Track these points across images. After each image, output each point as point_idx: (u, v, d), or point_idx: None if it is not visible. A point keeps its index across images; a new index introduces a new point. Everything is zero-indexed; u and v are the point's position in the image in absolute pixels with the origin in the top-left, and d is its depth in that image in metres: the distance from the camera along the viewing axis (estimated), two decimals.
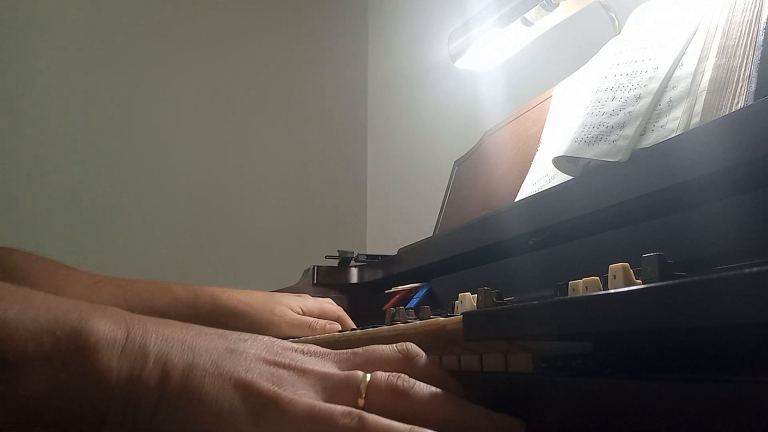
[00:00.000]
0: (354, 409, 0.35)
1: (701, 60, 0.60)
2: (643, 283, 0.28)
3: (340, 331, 0.87)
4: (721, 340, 0.27)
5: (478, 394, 0.43)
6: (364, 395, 0.37)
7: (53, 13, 2.16)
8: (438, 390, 0.38)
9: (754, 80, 0.54)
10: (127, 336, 0.34)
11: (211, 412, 0.33)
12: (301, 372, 0.37)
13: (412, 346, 0.41)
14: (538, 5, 0.96)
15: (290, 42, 2.44)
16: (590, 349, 0.34)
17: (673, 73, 0.62)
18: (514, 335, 0.35)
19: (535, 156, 0.86)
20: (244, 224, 2.27)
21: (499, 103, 1.49)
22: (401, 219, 2.11)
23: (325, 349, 0.40)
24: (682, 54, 0.63)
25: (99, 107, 2.17)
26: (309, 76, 2.45)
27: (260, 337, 0.39)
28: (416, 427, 0.35)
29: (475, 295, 0.44)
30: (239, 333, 0.39)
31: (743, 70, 0.55)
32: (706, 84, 0.58)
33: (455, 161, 1.17)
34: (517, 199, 0.82)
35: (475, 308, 0.44)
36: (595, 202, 0.60)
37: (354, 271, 1.19)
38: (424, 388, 0.38)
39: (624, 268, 0.31)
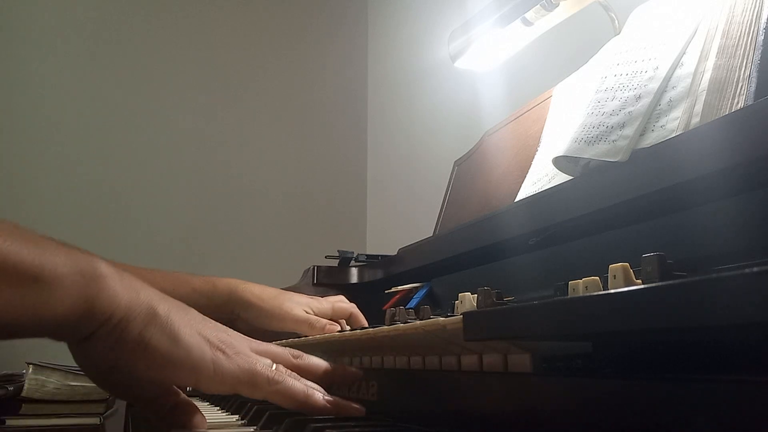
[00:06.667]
0: (273, 364, 0.53)
1: (701, 60, 0.60)
2: (643, 283, 0.28)
3: (340, 331, 0.88)
4: (721, 340, 0.27)
5: (478, 394, 0.43)
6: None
7: (54, 11, 2.16)
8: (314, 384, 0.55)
9: (754, 80, 0.54)
10: (122, 276, 0.47)
11: (183, 343, 0.48)
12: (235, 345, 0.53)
13: (298, 351, 0.59)
14: (538, 5, 0.96)
15: (290, 42, 2.44)
16: (590, 349, 0.34)
17: (673, 73, 0.62)
18: (514, 335, 0.35)
19: (535, 156, 0.86)
20: (244, 224, 2.27)
21: (499, 103, 1.49)
22: (401, 219, 2.11)
23: (243, 336, 0.56)
24: (682, 54, 0.63)
25: (100, 107, 2.17)
26: (309, 76, 2.45)
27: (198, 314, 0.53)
28: (309, 382, 0.54)
29: (475, 295, 0.44)
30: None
31: (743, 70, 0.55)
32: (706, 84, 0.58)
33: (455, 161, 1.17)
34: (517, 199, 0.82)
35: (475, 308, 0.44)
36: (595, 202, 0.60)
37: (354, 271, 1.19)
38: (307, 379, 0.55)
39: (624, 268, 0.31)
